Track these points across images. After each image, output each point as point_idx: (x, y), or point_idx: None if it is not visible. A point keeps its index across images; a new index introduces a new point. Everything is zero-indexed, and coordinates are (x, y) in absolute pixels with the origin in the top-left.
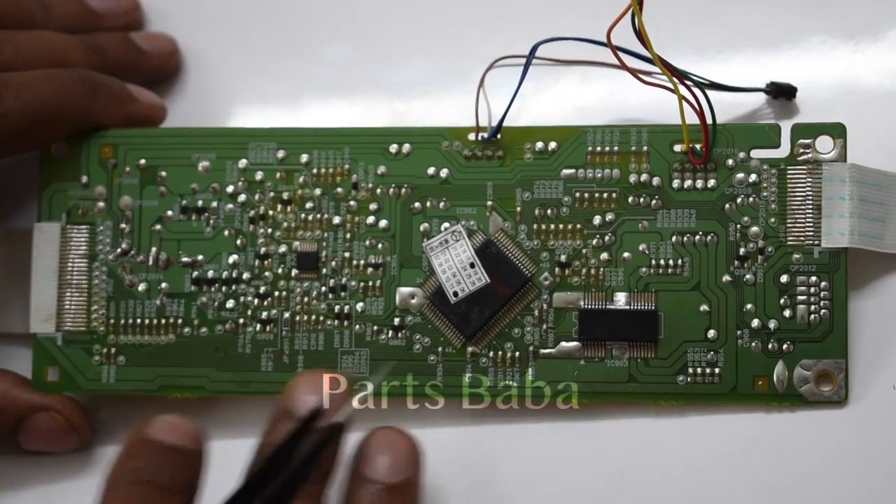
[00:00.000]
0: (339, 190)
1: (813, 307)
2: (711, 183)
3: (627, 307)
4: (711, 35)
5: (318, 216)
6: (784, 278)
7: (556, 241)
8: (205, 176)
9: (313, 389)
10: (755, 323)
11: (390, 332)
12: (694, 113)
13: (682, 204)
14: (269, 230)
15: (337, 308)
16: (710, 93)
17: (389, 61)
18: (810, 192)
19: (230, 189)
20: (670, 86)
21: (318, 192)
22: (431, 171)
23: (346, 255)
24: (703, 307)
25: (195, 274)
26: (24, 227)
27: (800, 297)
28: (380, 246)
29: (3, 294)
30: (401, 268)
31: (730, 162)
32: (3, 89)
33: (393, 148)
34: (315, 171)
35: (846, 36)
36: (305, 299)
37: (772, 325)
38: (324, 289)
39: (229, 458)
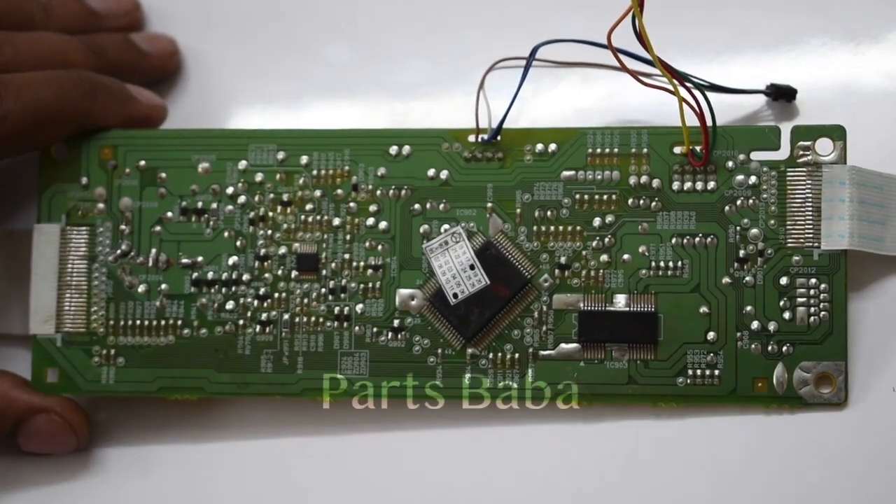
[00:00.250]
0: (339, 191)
1: (813, 309)
2: (711, 185)
3: (627, 309)
4: (711, 37)
5: (318, 218)
6: (784, 280)
7: (555, 243)
8: (205, 177)
9: None
10: (755, 325)
11: (390, 334)
12: (694, 115)
13: (682, 206)
14: (269, 231)
15: (337, 309)
16: (710, 94)
17: (390, 62)
18: (810, 195)
19: (230, 190)
20: (670, 88)
21: (318, 193)
22: (431, 172)
23: (346, 256)
24: (703, 309)
25: (195, 275)
26: (23, 228)
27: (799, 299)
28: (380, 247)
29: (2, 295)
30: (401, 269)
31: (730, 164)
32: (3, 90)
33: (393, 149)
34: (315, 172)
35: (846, 38)
36: (305, 301)
37: (771, 326)
38: (323, 290)
39: (228, 459)
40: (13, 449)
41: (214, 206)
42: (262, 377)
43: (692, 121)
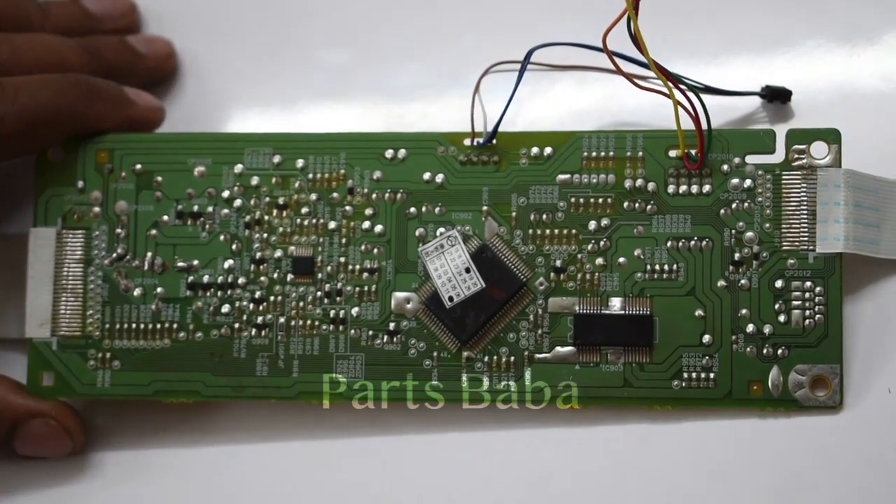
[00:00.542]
0: (335, 195)
1: (808, 312)
2: (706, 188)
3: (622, 312)
4: (706, 39)
5: (314, 221)
6: (779, 283)
7: (551, 247)
8: (200, 181)
9: None
10: (750, 328)
11: (385, 337)
12: (689, 117)
13: (678, 209)
14: (265, 235)
15: (332, 313)
16: (705, 97)
17: (385, 66)
18: (805, 198)
19: (226, 194)
20: (665, 90)
21: (313, 197)
22: (427, 176)
23: (342, 259)
24: (699, 312)
25: (190, 279)
26: (19, 231)
27: (795, 302)
28: (375, 251)
29: None
30: (396, 273)
31: (725, 167)
32: (0, 93)
33: (389, 153)
34: (311, 176)
35: (841, 40)
36: (301, 304)
37: (767, 329)
38: (319, 294)
39: (224, 462)
40: (9, 453)
41: (210, 209)
42: (257, 380)
43: (687, 123)
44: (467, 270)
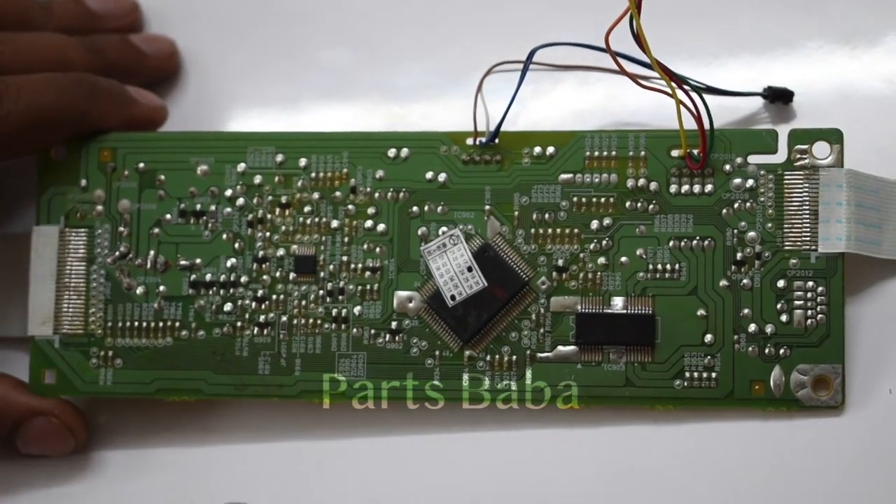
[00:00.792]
0: (338, 194)
1: (810, 312)
2: (709, 188)
3: (625, 311)
4: (708, 39)
5: (317, 220)
6: (781, 283)
7: (553, 246)
8: (203, 180)
9: None
10: (752, 327)
11: (388, 336)
12: (691, 117)
13: (680, 209)
14: (268, 234)
15: (334, 311)
16: (707, 97)
17: (388, 65)
18: (807, 198)
19: (228, 193)
20: (668, 90)
21: (316, 195)
22: (430, 175)
23: (344, 258)
24: (700, 312)
25: (193, 277)
26: (22, 230)
27: (797, 302)
28: (378, 250)
29: (0, 298)
30: (398, 272)
31: (727, 167)
32: (4, 92)
33: (391, 152)
34: (313, 175)
35: (843, 40)
36: (303, 303)
37: (769, 329)
38: (321, 292)
39: (227, 461)
40: (11, 451)
41: (213, 208)
42: (259, 379)
43: (690, 123)
44: (469, 269)
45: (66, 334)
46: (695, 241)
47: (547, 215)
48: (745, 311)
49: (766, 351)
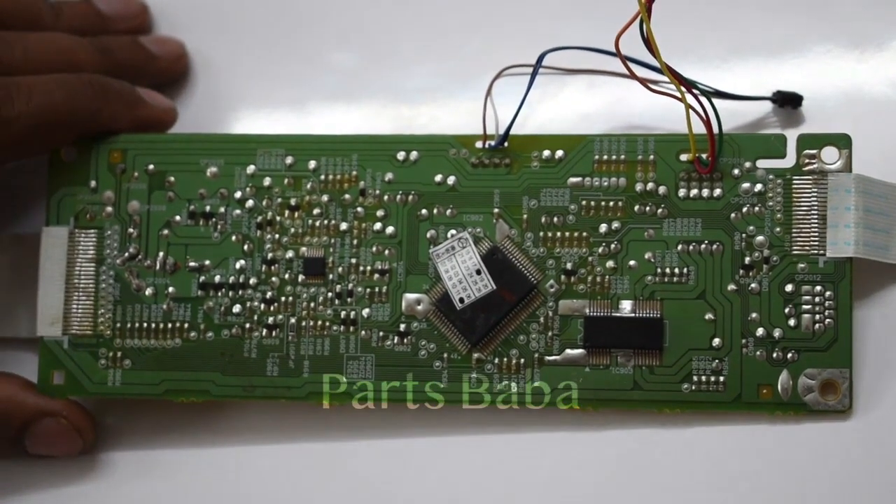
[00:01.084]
0: (347, 196)
1: (818, 316)
2: (717, 192)
3: (633, 315)
4: (717, 43)
5: (326, 222)
6: (789, 287)
7: (562, 249)
8: (213, 181)
9: None
10: (760, 332)
11: (396, 339)
12: (700, 121)
13: (688, 213)
14: (277, 236)
15: (343, 314)
16: (716, 101)
17: (397, 68)
18: (815, 202)
19: (238, 195)
20: (677, 94)
21: (325, 198)
22: (439, 178)
23: (353, 261)
24: (709, 315)
25: (202, 279)
26: (32, 230)
27: (805, 307)
28: (386, 252)
29: (10, 298)
30: (407, 274)
31: (736, 171)
32: (15, 92)
33: (400, 155)
34: (323, 177)
35: (851, 45)
36: (312, 305)
37: (776, 333)
38: (330, 294)
39: (234, 462)
40: (20, 452)
41: (222, 210)
42: (268, 381)
43: (699, 128)
44: (478, 272)
45: (74, 335)
46: (703, 245)
47: (556, 219)
48: (754, 315)
49: (774, 355)
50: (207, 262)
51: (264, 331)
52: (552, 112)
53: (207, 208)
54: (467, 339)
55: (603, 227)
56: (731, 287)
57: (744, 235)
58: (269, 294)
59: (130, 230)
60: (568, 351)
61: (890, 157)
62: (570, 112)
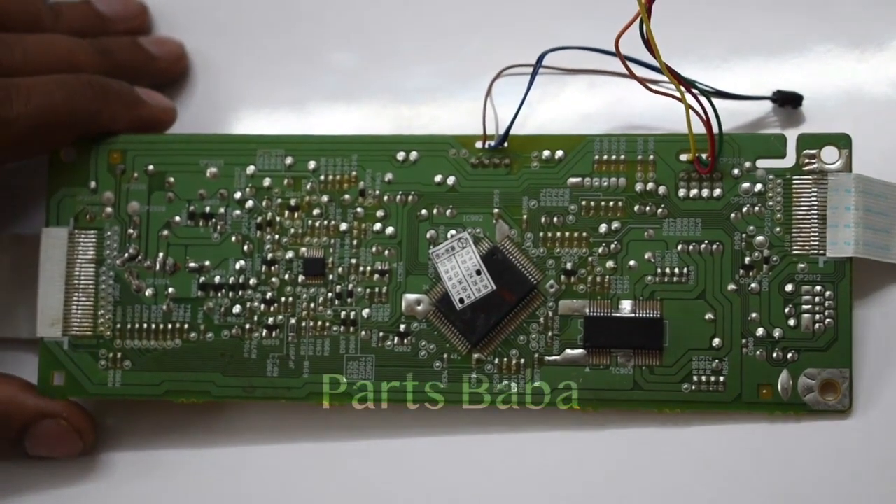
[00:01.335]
0: (347, 197)
1: (818, 316)
2: (717, 192)
3: (633, 315)
4: (717, 43)
5: (325, 223)
6: (789, 287)
7: (561, 249)
8: (213, 182)
9: None
10: (760, 331)
11: (396, 339)
12: (700, 121)
13: (688, 213)
14: (276, 236)
15: (343, 314)
16: (716, 101)
17: (397, 68)
18: (815, 202)
19: (238, 195)
20: (677, 94)
21: (325, 198)
22: (438, 178)
23: (353, 261)
24: (709, 315)
25: (202, 279)
26: (32, 231)
27: (805, 307)
28: (386, 252)
29: (10, 299)
30: (407, 274)
31: (736, 171)
32: (14, 93)
33: (400, 155)
34: (322, 177)
35: (852, 44)
36: (312, 305)
37: (776, 333)
38: (330, 295)
39: (234, 463)
40: (20, 453)
41: (222, 210)
42: (268, 381)
43: (698, 128)
44: (478, 272)
45: (74, 336)
46: (703, 245)
47: (555, 219)
48: (754, 315)
49: (774, 355)
50: (207, 263)
51: (264, 331)
52: (552, 112)
53: (207, 209)
54: (467, 340)
55: (603, 228)
56: (731, 287)
57: (744, 235)
58: (269, 295)
59: (130, 231)
60: (568, 351)
61: (890, 157)
62: (570, 112)
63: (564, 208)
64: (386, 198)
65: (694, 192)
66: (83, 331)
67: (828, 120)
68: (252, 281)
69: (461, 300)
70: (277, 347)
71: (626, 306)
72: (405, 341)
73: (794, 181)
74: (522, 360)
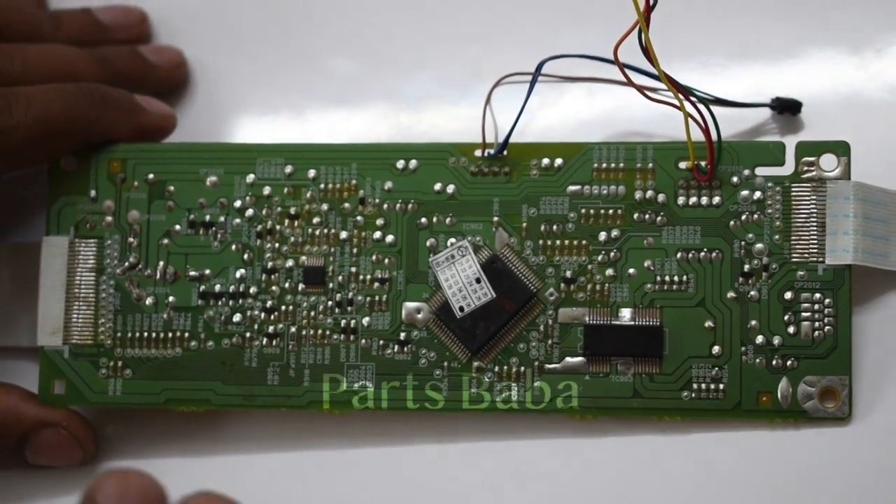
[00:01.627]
0: (346, 205)
1: (817, 324)
2: (716, 200)
3: (632, 323)
4: (716, 50)
5: (325, 231)
6: (788, 295)
7: (561, 257)
8: (213, 191)
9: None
10: (759, 339)
11: (396, 347)
12: (699, 129)
13: (687, 221)
14: (277, 245)
15: (343, 322)
16: (714, 108)
17: (396, 75)
18: (814, 210)
19: (238, 204)
20: (676, 102)
21: (325, 207)
22: (438, 186)
23: (353, 269)
24: (708, 323)
25: (202, 288)
26: (32, 240)
27: (804, 314)
28: (386, 261)
29: (10, 308)
30: (407, 283)
31: (735, 179)
32: (14, 102)
33: (400, 164)
34: (322, 186)
35: (850, 52)
36: (312, 314)
37: (776, 341)
38: (330, 303)
39: (235, 471)
40: (20, 462)
41: (222, 219)
42: (268, 389)
43: (697, 135)
44: (478, 281)
45: (75, 344)
46: (702, 253)
47: (555, 227)
48: (753, 322)
49: (774, 362)
50: (207, 272)
51: (264, 340)
52: (551, 120)
53: (207, 217)
54: (467, 348)
55: (602, 236)
56: (731, 295)
57: (743, 243)
58: (269, 303)
59: (130, 239)
60: (568, 359)
61: (889, 165)
62: (570, 120)
63: (564, 216)
64: (386, 206)
65: (693, 199)
66: (84, 339)
67: (827, 127)
68: (252, 289)
69: (461, 308)
70: (278, 356)
71: (625, 314)
72: (405, 349)
73: (793, 189)
74: (522, 368)
